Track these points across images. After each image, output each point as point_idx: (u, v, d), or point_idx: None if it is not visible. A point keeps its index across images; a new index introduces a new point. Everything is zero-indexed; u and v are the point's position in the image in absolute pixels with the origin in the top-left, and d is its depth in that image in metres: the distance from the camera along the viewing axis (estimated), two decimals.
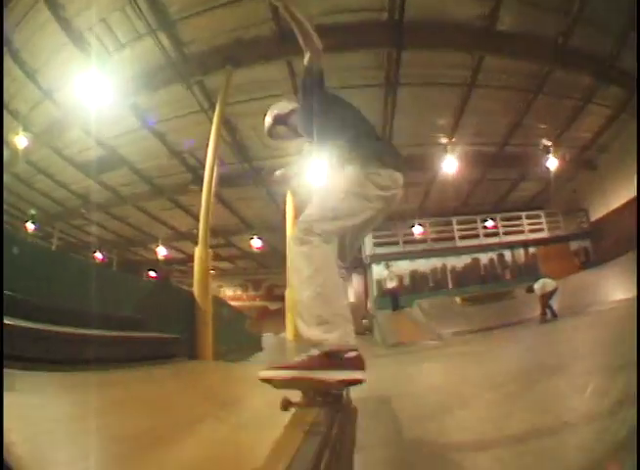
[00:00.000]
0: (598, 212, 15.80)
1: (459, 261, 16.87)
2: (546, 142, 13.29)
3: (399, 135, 12.27)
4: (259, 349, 10.41)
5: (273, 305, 25.42)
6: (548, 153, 13.31)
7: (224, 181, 14.42)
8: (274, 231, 16.53)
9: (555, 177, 14.41)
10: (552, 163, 13.41)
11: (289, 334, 12.00)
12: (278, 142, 2.72)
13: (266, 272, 27.66)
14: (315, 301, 1.62)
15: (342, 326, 1.59)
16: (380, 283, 15.63)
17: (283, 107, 2.47)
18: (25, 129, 10.65)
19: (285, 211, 12.23)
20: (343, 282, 1.78)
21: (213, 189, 7.73)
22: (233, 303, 23.35)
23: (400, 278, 15.67)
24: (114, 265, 22.11)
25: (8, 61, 8.73)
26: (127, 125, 11.63)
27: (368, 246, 16.14)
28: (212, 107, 10.12)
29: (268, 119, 2.48)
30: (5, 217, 15.05)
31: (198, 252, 7.16)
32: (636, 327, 2.87)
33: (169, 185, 15.49)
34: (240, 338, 9.49)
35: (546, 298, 9.48)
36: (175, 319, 6.23)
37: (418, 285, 16.18)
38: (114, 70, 9.01)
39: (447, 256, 16.67)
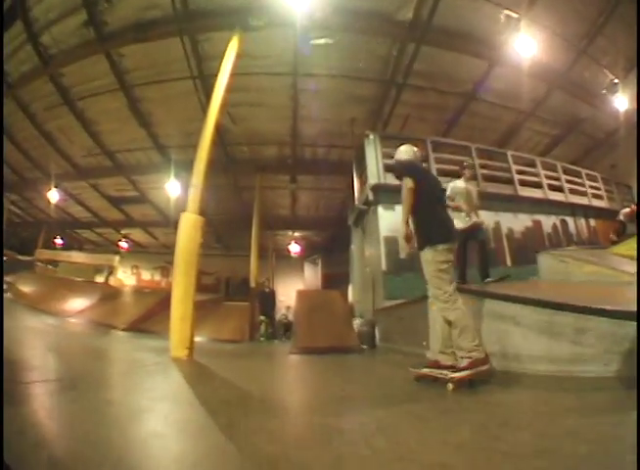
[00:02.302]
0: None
1: (516, 222, 9.55)
2: (613, 77, 9.64)
3: None
4: None
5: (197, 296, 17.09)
6: (615, 92, 9.73)
7: None
8: None
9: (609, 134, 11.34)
10: (622, 103, 9.77)
11: (174, 350, 4.80)
12: None
13: None
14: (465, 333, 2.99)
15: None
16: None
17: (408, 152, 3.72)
18: None
19: None
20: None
21: None
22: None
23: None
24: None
25: None
26: None
27: (371, 167, 8.31)
28: None
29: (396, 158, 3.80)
30: None
31: None
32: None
33: None
34: None
35: None
36: None
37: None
38: None
39: (501, 208, 9.15)
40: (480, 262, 5.31)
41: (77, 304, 10.31)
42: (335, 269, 16.56)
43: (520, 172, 9.98)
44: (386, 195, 7.91)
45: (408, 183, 3.26)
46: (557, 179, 10.83)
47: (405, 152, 3.69)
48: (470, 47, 8.53)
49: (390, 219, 7.79)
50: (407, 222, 3.22)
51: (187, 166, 11.22)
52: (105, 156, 12.10)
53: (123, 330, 8.33)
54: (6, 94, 9.38)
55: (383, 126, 9.91)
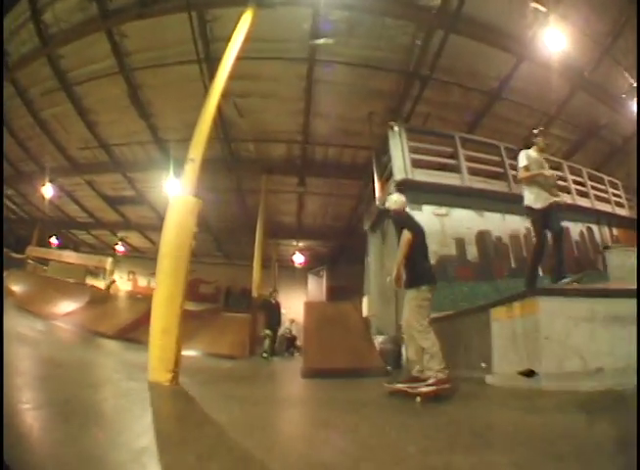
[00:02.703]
0: None
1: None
2: (633, 81, 8.80)
3: None
4: None
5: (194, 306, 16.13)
6: (634, 96, 8.90)
7: None
8: None
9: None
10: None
11: (153, 371, 3.57)
12: None
13: (195, 261, 17.88)
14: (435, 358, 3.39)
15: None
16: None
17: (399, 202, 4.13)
18: None
19: None
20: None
21: None
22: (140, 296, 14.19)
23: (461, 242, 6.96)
24: None
25: None
26: None
27: (396, 161, 7.29)
28: None
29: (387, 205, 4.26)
30: None
31: None
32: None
33: None
34: None
35: None
36: None
37: (492, 262, 7.31)
38: None
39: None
40: (555, 258, 4.22)
41: (64, 306, 9.38)
42: (340, 282, 15.39)
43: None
44: (413, 193, 6.85)
45: (407, 235, 3.71)
46: (582, 185, 9.95)
47: (396, 202, 4.10)
48: (498, 40, 7.76)
49: (419, 220, 6.75)
50: (400, 267, 3.72)
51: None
52: (101, 149, 11.13)
53: (109, 338, 7.24)
54: (5, 77, 8.84)
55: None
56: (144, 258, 18.42)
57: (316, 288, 17.68)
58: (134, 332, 7.74)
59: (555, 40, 7.13)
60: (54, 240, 17.56)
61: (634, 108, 8.99)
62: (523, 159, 4.32)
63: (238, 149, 10.23)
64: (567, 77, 8.56)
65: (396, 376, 5.32)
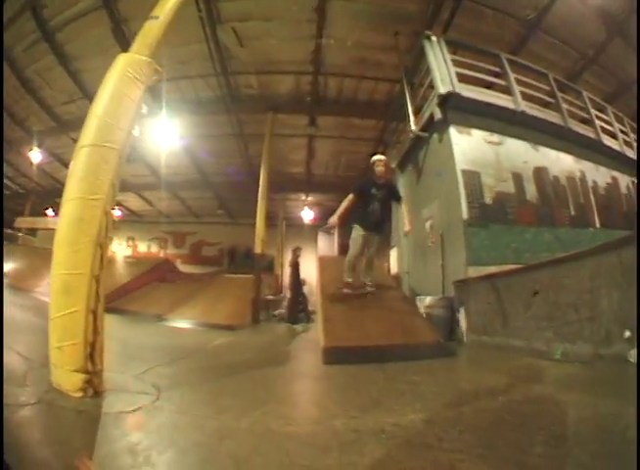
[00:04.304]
0: None
1: (598, 175, 6.75)
2: None
3: None
4: None
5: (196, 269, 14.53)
6: None
7: None
8: None
9: None
10: None
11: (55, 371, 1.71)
12: None
13: (196, 222, 16.52)
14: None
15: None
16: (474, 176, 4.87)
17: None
18: None
19: None
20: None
21: None
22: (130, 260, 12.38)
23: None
24: None
25: None
26: None
27: (439, 73, 5.38)
28: None
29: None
30: None
31: None
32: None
33: None
34: None
35: None
36: None
37: (553, 205, 5.55)
38: None
39: (583, 156, 6.47)
40: None
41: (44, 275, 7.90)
42: None
43: (597, 118, 7.20)
44: (460, 113, 5.07)
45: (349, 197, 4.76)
46: (627, 134, 8.12)
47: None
48: None
49: (468, 146, 4.98)
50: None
51: (182, 108, 8.32)
52: (86, 100, 8.86)
53: None
54: None
55: None
56: (142, 222, 16.52)
57: (327, 246, 15.68)
58: (116, 301, 6.13)
59: None
60: (50, 212, 15.28)
61: None
62: None
63: (238, 85, 8.20)
64: (604, 20, 6.88)
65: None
